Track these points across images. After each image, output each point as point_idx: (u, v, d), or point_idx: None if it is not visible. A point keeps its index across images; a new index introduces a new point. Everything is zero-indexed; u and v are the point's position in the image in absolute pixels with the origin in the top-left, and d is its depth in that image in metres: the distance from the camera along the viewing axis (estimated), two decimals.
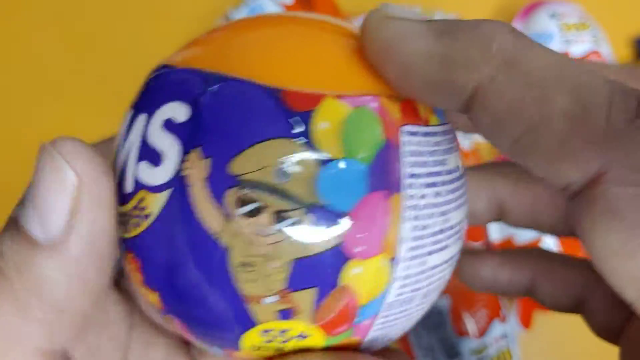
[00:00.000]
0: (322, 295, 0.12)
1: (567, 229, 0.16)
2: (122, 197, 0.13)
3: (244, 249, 0.11)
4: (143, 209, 0.12)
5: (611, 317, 0.16)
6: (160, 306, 0.13)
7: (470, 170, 0.17)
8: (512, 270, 0.18)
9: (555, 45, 0.38)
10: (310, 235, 0.11)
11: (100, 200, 0.12)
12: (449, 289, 0.34)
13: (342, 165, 0.11)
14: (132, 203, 0.12)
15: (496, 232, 0.36)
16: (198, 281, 0.12)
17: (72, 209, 0.11)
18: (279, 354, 0.13)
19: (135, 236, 0.12)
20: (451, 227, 0.13)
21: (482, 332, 0.33)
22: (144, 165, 0.12)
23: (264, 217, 0.11)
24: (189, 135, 0.12)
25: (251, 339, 0.12)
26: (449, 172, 0.13)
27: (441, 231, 0.13)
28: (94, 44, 0.42)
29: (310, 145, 0.11)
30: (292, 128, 0.11)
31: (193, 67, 0.13)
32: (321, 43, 0.13)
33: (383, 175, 0.12)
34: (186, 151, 0.12)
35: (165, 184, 0.12)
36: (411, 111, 0.13)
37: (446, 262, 0.14)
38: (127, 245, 0.13)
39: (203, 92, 0.12)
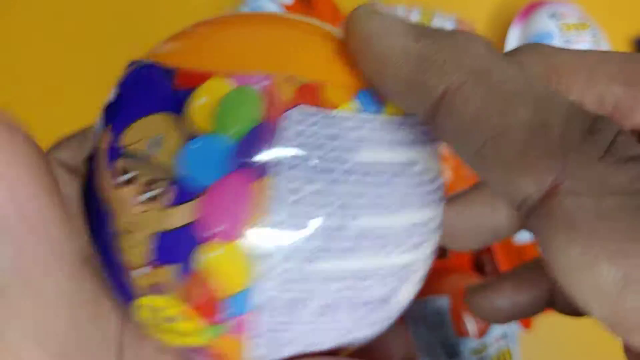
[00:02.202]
0: (183, 274, 0.12)
1: None
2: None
3: (124, 216, 0.12)
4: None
5: None
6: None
7: (478, 186, 0.16)
8: (530, 289, 0.17)
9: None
10: (170, 208, 0.12)
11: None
12: (449, 289, 0.34)
13: (208, 139, 0.11)
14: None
15: None
16: (101, 245, 0.13)
17: None
18: (181, 341, 0.13)
19: None
20: (358, 229, 0.12)
21: (482, 332, 0.33)
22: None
23: (136, 186, 0.12)
24: (108, 115, 0.13)
25: (142, 311, 0.13)
26: (360, 163, 0.12)
27: (338, 229, 0.12)
28: (92, 44, 0.42)
29: (183, 119, 0.12)
30: (172, 103, 0.12)
31: (135, 59, 0.14)
32: (231, 28, 0.14)
33: (251, 155, 0.11)
34: (104, 127, 0.13)
35: (86, 155, 0.14)
36: (312, 94, 0.12)
37: (358, 273, 0.12)
38: None
39: (125, 75, 0.13)
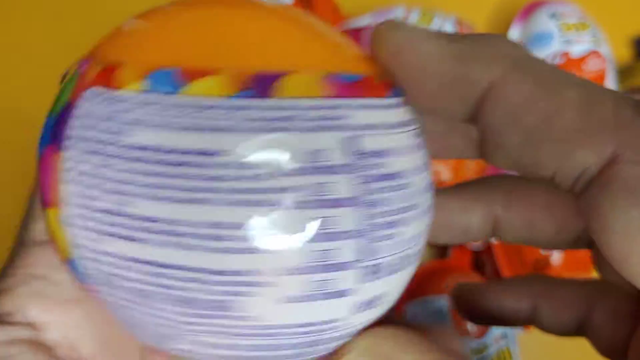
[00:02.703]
0: None
1: (563, 242, 0.16)
2: None
3: None
4: None
5: (616, 333, 0.16)
6: None
7: (462, 185, 0.17)
8: (514, 298, 0.17)
9: (555, 45, 0.38)
10: None
11: None
12: (449, 289, 0.34)
13: (47, 118, 0.13)
14: None
15: None
16: None
17: None
18: None
19: None
20: (140, 218, 0.11)
21: (482, 332, 0.33)
22: None
23: None
24: None
25: None
26: (131, 147, 0.11)
27: (118, 214, 0.11)
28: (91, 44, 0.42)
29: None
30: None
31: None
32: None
33: (56, 131, 0.12)
34: None
35: None
36: (108, 76, 0.12)
37: (140, 261, 0.11)
38: None
39: None
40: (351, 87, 0.12)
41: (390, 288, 0.13)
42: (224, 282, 0.11)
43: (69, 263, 0.13)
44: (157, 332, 0.12)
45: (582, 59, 0.37)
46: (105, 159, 0.11)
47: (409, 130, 0.13)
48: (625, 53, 0.46)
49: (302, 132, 0.11)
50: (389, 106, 0.13)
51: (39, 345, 0.14)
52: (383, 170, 0.12)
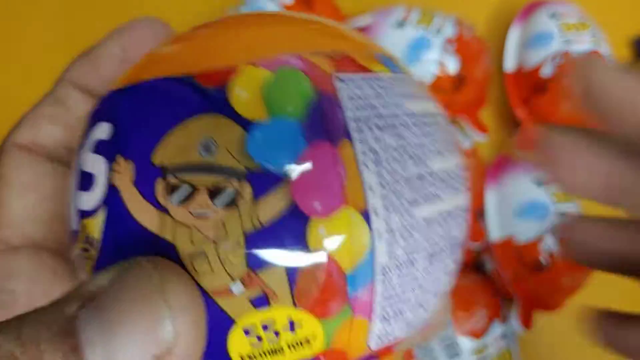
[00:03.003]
0: (293, 268, 0.11)
1: None
2: (72, 239, 0.12)
3: (189, 238, 0.11)
4: (88, 238, 0.12)
5: None
6: None
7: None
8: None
9: (555, 45, 0.38)
10: (256, 203, 0.11)
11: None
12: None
13: (270, 125, 0.11)
14: (80, 238, 0.12)
15: (496, 232, 0.36)
16: None
17: None
18: None
19: (90, 273, 0.12)
20: (435, 174, 0.12)
21: (482, 332, 0.33)
22: (81, 194, 0.12)
23: (199, 198, 0.11)
24: (110, 148, 0.11)
25: (237, 346, 0.11)
26: (410, 114, 0.12)
27: (420, 177, 0.12)
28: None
29: (231, 113, 0.11)
30: (209, 104, 0.11)
31: (113, 89, 0.12)
32: (226, 27, 0.13)
33: (321, 125, 0.11)
34: (110, 163, 0.11)
35: (99, 204, 0.11)
36: (344, 60, 0.12)
37: (446, 214, 0.12)
38: None
39: (116, 103, 0.12)
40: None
41: None
42: (462, 217, 0.14)
43: (356, 270, 0.11)
44: (414, 310, 0.13)
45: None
46: (398, 129, 0.12)
47: None
48: (625, 53, 0.46)
49: None
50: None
51: None
52: None
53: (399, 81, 0.13)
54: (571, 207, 0.36)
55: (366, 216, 0.11)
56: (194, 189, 0.11)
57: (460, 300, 0.34)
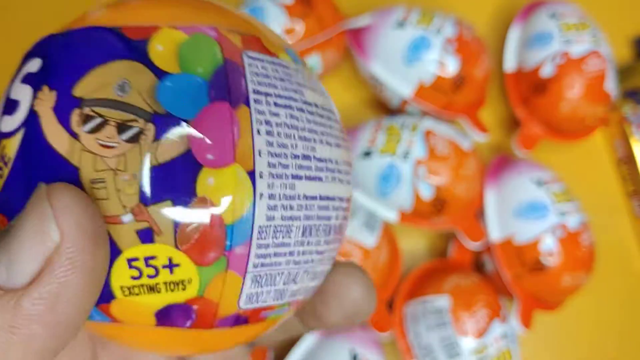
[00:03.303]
0: (179, 210, 0.12)
1: None
2: None
3: (92, 165, 0.12)
4: (3, 157, 0.13)
5: None
6: None
7: None
8: None
9: (555, 45, 0.38)
10: (157, 143, 0.12)
11: (81, 271, 0.11)
12: (449, 289, 0.34)
13: (180, 78, 0.12)
14: None
15: (496, 232, 0.36)
16: None
17: (42, 269, 0.11)
18: (156, 304, 0.12)
19: (1, 191, 0.13)
20: (320, 160, 0.14)
21: (482, 332, 0.33)
22: (4, 118, 0.13)
23: (107, 130, 0.12)
24: (38, 79, 0.13)
25: (120, 274, 0.12)
26: (307, 103, 0.14)
27: (306, 157, 0.13)
28: None
29: (147, 63, 0.12)
30: (130, 52, 0.12)
31: (50, 34, 0.14)
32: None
33: (224, 88, 0.12)
34: (35, 91, 0.12)
35: (19, 125, 0.13)
36: (255, 42, 0.14)
37: (325, 197, 0.14)
38: None
39: (49, 43, 0.13)
40: None
41: None
42: (343, 209, 0.15)
43: (233, 225, 0.12)
44: (286, 278, 0.14)
45: (582, 59, 0.38)
46: (293, 112, 0.13)
47: None
48: (625, 53, 0.46)
49: None
50: None
51: None
52: None
53: (301, 72, 0.14)
54: (571, 207, 0.36)
55: (252, 176, 0.12)
56: (105, 121, 0.12)
57: (460, 300, 0.34)
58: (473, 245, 0.37)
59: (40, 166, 0.12)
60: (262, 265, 0.13)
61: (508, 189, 0.36)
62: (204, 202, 0.12)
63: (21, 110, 0.13)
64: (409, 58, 0.37)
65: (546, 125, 0.39)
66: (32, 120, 0.12)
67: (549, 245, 0.34)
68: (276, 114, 0.13)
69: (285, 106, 0.13)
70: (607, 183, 0.43)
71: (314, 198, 0.13)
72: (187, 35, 0.13)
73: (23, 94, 0.13)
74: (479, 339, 0.33)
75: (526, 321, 0.35)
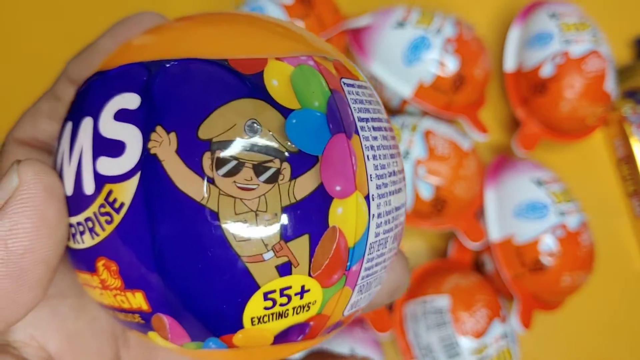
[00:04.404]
0: (315, 240, 0.12)
1: None
2: (79, 204, 0.12)
3: (232, 208, 0.12)
4: (113, 202, 0.12)
5: None
6: (146, 308, 0.12)
7: None
8: None
9: (555, 45, 0.38)
10: (293, 181, 0.12)
11: (33, 215, 0.12)
12: (449, 289, 0.34)
13: (303, 114, 0.12)
14: (98, 202, 0.12)
15: (496, 232, 0.36)
16: (192, 256, 0.12)
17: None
18: (280, 327, 0.13)
19: (106, 237, 0.12)
20: (400, 172, 0.15)
21: (482, 332, 0.33)
22: (104, 160, 0.12)
23: (245, 172, 0.12)
24: (145, 118, 0.12)
25: (253, 308, 0.12)
26: (385, 120, 0.15)
27: (394, 173, 0.14)
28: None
29: (270, 100, 0.12)
30: (249, 89, 0.12)
31: (130, 62, 0.13)
32: (250, 23, 0.14)
33: (338, 120, 0.13)
34: (147, 132, 0.12)
35: (133, 168, 0.12)
36: (343, 68, 0.14)
37: (402, 206, 0.15)
38: (92, 253, 0.12)
39: (149, 77, 0.12)
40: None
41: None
42: (403, 212, 0.15)
43: (353, 248, 0.13)
44: (375, 285, 0.15)
45: (582, 59, 0.38)
46: (382, 132, 0.14)
47: None
48: (625, 53, 0.46)
49: None
50: None
51: (5, 347, 0.14)
52: None
53: (372, 90, 0.15)
54: (571, 207, 0.36)
55: (367, 201, 0.13)
56: (240, 164, 0.12)
57: (460, 300, 0.34)
58: (473, 245, 0.37)
59: (170, 212, 0.12)
60: (367, 276, 0.14)
61: (508, 189, 0.36)
62: (334, 231, 0.12)
63: (131, 152, 0.12)
64: (409, 58, 0.37)
65: (546, 125, 0.39)
66: (151, 164, 0.12)
67: (549, 245, 0.34)
68: (375, 138, 0.14)
69: (378, 128, 0.14)
70: (607, 183, 0.43)
71: (398, 209, 0.14)
72: (293, 67, 0.13)
73: (127, 134, 0.12)
74: (478, 339, 0.33)
75: (526, 321, 0.35)
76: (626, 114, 0.42)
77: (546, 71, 0.38)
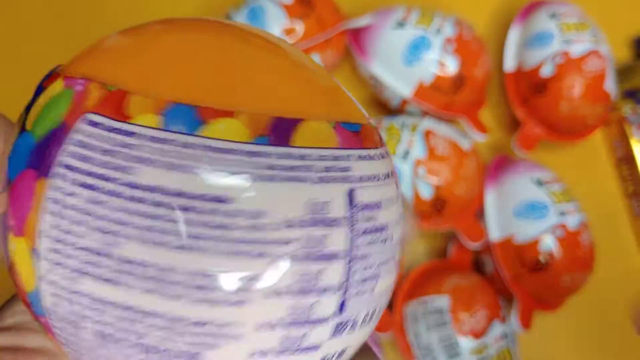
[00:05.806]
0: (5, 260, 0.12)
1: None
2: None
3: None
4: None
5: None
6: None
7: None
8: None
9: (555, 45, 0.38)
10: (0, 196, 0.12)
11: None
12: (449, 289, 0.34)
13: (23, 137, 0.12)
14: None
15: (496, 232, 0.36)
16: None
17: None
18: None
19: None
20: (127, 261, 0.10)
21: (482, 332, 0.33)
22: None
23: None
24: None
25: None
26: (133, 185, 0.10)
27: (98, 254, 0.11)
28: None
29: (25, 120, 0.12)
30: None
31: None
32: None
33: (42, 155, 0.11)
34: None
35: None
36: (115, 103, 0.11)
37: (135, 311, 0.11)
38: None
39: None
40: (355, 137, 0.12)
41: (355, 342, 0.13)
42: (201, 333, 0.11)
43: (30, 295, 0.12)
44: None
45: (582, 59, 0.38)
46: (99, 195, 0.11)
47: (393, 181, 0.13)
48: (625, 53, 0.46)
49: (313, 183, 0.11)
50: (381, 156, 0.13)
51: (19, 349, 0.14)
52: (373, 224, 0.12)
53: (158, 142, 0.12)
54: (571, 207, 0.36)
55: (34, 255, 0.11)
56: None
57: (460, 300, 0.34)
58: (473, 245, 0.37)
59: None
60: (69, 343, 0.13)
61: (508, 188, 0.36)
62: (12, 265, 0.12)
63: None
64: (409, 58, 0.37)
65: (546, 125, 0.39)
66: None
67: (549, 245, 0.34)
68: (72, 194, 0.12)
69: (90, 187, 0.11)
70: (607, 183, 0.43)
71: (115, 305, 0.12)
72: (61, 89, 0.12)
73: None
74: (478, 339, 0.33)
75: (526, 321, 0.35)
76: (626, 114, 0.42)
77: (546, 71, 0.38)
